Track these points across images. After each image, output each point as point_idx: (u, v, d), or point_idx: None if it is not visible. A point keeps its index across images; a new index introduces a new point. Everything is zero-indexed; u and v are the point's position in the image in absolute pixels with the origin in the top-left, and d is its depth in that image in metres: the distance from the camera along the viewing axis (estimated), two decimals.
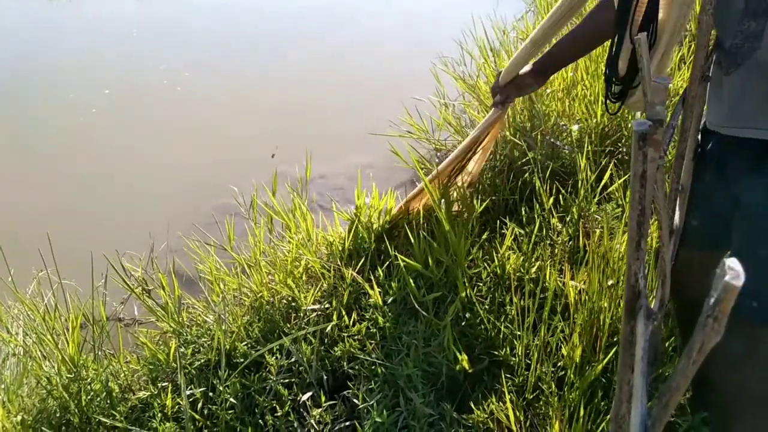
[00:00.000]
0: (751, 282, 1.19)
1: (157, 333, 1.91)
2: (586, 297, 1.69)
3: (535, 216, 2.00)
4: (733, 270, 0.42)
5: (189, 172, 3.31)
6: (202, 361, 1.77)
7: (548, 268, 1.80)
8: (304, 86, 4.26)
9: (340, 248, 2.00)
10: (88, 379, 1.73)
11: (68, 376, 1.71)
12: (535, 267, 1.88)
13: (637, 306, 0.64)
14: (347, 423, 1.65)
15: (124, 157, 3.53)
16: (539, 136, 2.46)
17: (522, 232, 2.02)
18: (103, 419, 1.63)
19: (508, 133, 2.42)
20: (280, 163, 2.63)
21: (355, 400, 1.66)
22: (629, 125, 2.42)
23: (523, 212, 2.12)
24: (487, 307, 1.80)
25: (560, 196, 2.20)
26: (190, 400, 1.66)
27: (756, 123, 1.13)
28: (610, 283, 1.71)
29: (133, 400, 1.71)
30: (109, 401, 1.70)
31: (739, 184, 1.20)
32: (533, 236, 1.92)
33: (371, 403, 1.63)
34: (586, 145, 2.21)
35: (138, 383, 1.81)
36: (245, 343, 1.79)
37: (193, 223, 2.23)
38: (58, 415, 1.68)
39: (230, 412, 1.64)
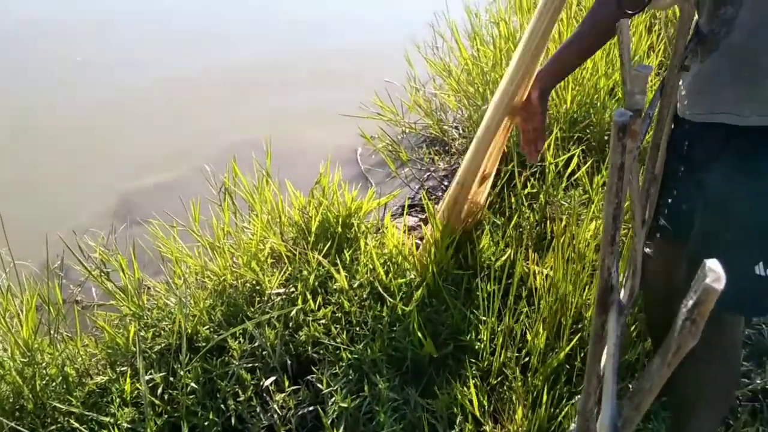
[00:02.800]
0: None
1: (116, 316, 1.86)
2: (551, 284, 1.69)
3: (506, 206, 2.00)
4: (714, 272, 0.40)
5: (149, 148, 3.22)
6: (163, 345, 1.73)
7: (516, 254, 1.80)
8: (272, 64, 4.16)
9: (306, 231, 1.97)
10: (44, 364, 1.67)
11: (22, 360, 1.65)
12: (505, 256, 1.87)
13: (610, 300, 0.63)
14: (311, 408, 1.64)
15: (77, 132, 3.41)
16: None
17: (497, 222, 2.01)
18: (59, 405, 1.58)
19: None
20: (246, 141, 2.57)
21: (319, 385, 1.65)
22: (597, 112, 2.42)
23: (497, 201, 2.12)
24: (453, 292, 1.79)
25: (528, 183, 2.21)
26: (150, 384, 1.63)
27: (721, 107, 1.13)
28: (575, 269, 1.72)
29: (91, 385, 1.66)
30: (65, 386, 1.65)
31: (704, 170, 1.21)
32: (509, 227, 1.92)
33: (335, 387, 1.62)
34: (554, 132, 2.21)
35: (96, 368, 1.76)
36: (207, 327, 1.76)
37: (155, 202, 2.16)
38: (11, 400, 1.62)
39: (191, 396, 1.61)
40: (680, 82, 1.22)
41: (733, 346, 1.36)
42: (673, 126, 1.31)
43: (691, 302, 0.42)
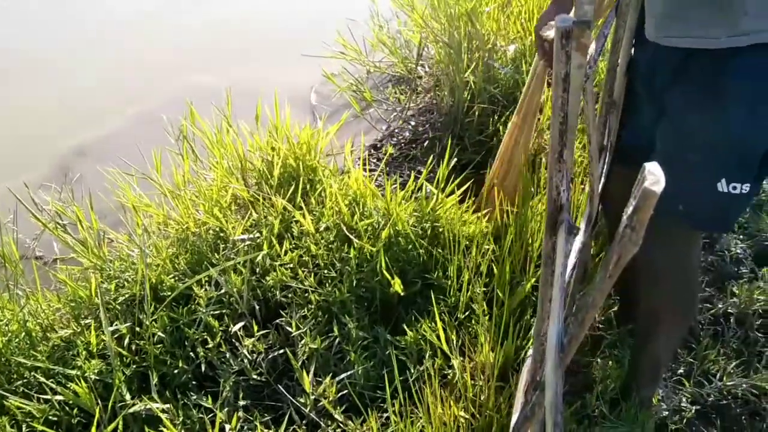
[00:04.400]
0: (678, 186, 1.21)
1: (78, 269, 1.81)
2: (516, 219, 1.69)
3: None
4: (653, 174, 0.38)
5: (100, 94, 3.09)
6: (127, 296, 1.70)
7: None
8: (233, 4, 3.99)
9: (269, 175, 1.93)
10: (4, 321, 1.64)
11: None
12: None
13: (559, 220, 0.61)
14: (281, 351, 1.64)
15: (27, 73, 3.26)
16: (479, 57, 2.39)
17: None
18: (23, 360, 1.55)
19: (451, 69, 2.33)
20: (203, 84, 2.48)
21: (288, 328, 1.65)
22: None
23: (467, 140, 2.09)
24: (419, 231, 1.78)
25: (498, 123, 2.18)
26: (116, 336, 1.61)
27: (693, 31, 1.10)
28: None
29: (55, 339, 1.63)
30: (28, 341, 1.62)
31: (666, 92, 1.19)
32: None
33: (305, 330, 1.62)
34: (522, 66, 2.17)
35: (60, 322, 1.73)
36: (172, 276, 1.73)
37: (116, 153, 2.08)
38: None
39: (159, 346, 1.60)
40: (646, 3, 1.18)
41: (691, 266, 1.38)
42: (634, 49, 1.29)
43: (630, 208, 0.41)
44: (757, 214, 2.16)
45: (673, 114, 1.17)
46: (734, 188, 1.12)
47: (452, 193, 1.82)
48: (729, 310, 1.86)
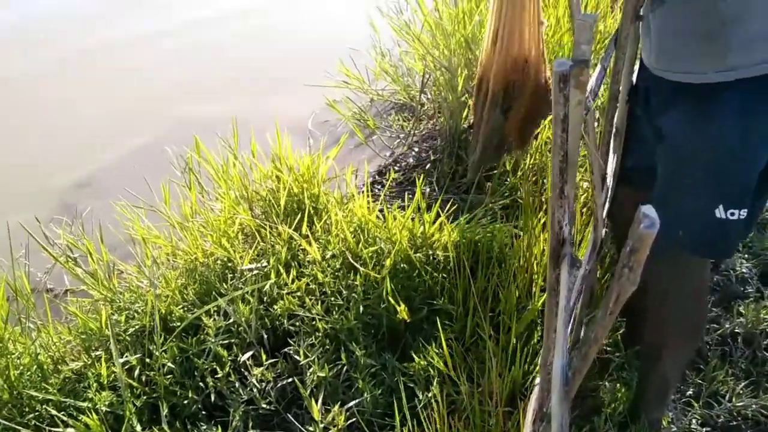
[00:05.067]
0: (676, 212, 1.22)
1: (88, 301, 1.84)
2: (520, 243, 1.71)
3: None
4: (649, 218, 0.40)
5: (100, 120, 3.13)
6: (137, 327, 1.72)
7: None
8: (236, 36, 4.07)
9: (275, 205, 1.96)
10: (16, 353, 1.66)
11: None
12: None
13: (562, 254, 0.63)
14: (290, 380, 1.65)
15: (35, 112, 3.31)
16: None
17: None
18: (35, 393, 1.57)
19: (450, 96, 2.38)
20: (206, 114, 2.52)
21: (296, 357, 1.66)
22: None
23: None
24: (423, 258, 1.80)
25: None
26: (126, 367, 1.62)
27: (680, 65, 1.13)
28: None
29: (66, 372, 1.65)
30: (40, 374, 1.64)
31: (661, 117, 1.22)
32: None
33: (313, 358, 1.63)
34: None
35: (71, 354, 1.75)
36: (181, 306, 1.75)
37: (120, 185, 2.12)
38: None
39: (169, 376, 1.61)
40: (642, 31, 1.22)
41: (700, 290, 1.39)
42: (636, 74, 1.32)
43: (628, 249, 0.42)
44: (762, 233, 2.17)
45: (669, 140, 1.19)
46: (732, 214, 1.13)
47: (438, 216, 1.84)
48: (736, 330, 1.86)
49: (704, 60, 1.09)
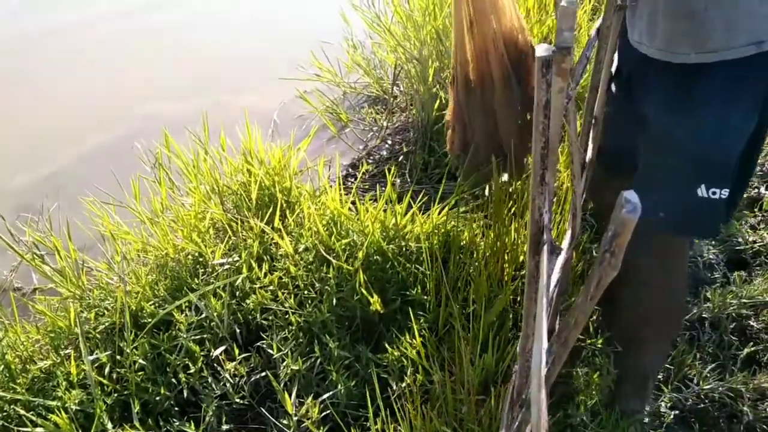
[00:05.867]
0: (659, 193, 1.23)
1: (56, 299, 1.81)
2: (491, 232, 1.72)
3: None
4: (630, 203, 0.40)
5: (64, 117, 3.07)
6: (107, 324, 1.70)
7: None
8: (206, 29, 4.01)
9: (247, 199, 1.94)
10: None
11: None
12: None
13: (542, 241, 0.63)
14: (263, 373, 1.64)
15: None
16: (449, 76, 2.44)
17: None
18: (2, 393, 1.54)
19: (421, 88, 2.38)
20: (175, 108, 2.48)
21: (270, 351, 1.65)
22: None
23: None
24: (396, 249, 1.80)
25: None
26: (96, 365, 1.60)
27: (659, 44, 1.15)
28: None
29: (34, 371, 1.62)
30: (8, 374, 1.61)
31: (642, 101, 1.23)
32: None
33: (286, 351, 1.62)
34: None
35: (40, 353, 1.72)
36: (152, 302, 1.73)
37: (86, 182, 2.08)
38: None
39: (140, 373, 1.59)
40: (629, 12, 1.22)
41: (679, 271, 1.39)
42: (616, 58, 1.33)
43: (610, 234, 0.43)
44: (728, 220, 2.21)
45: (651, 121, 1.21)
46: (714, 193, 1.15)
47: (410, 207, 1.84)
48: (703, 315, 1.90)
49: (687, 41, 1.10)
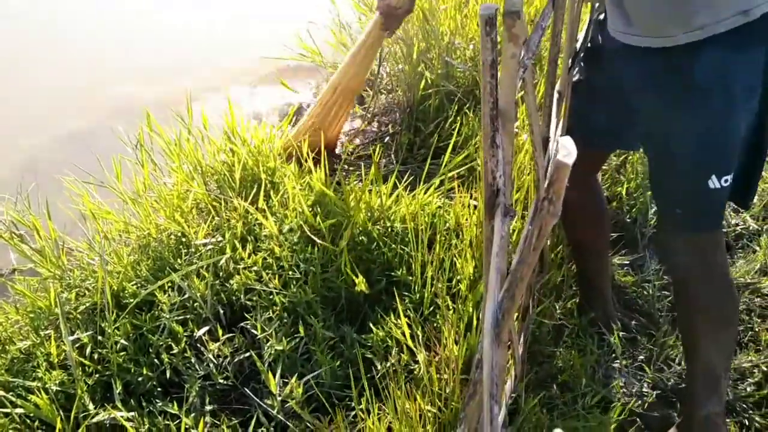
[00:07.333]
0: (673, 191, 1.23)
1: (36, 280, 1.78)
2: (476, 213, 1.71)
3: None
4: (565, 148, 0.40)
5: (45, 98, 3.02)
6: (88, 304, 1.67)
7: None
8: (189, 9, 3.94)
9: (230, 179, 1.92)
10: None
11: None
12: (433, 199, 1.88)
13: (496, 204, 0.63)
14: (247, 354, 1.63)
15: None
16: (435, 56, 2.42)
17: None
18: None
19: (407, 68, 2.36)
20: (156, 89, 2.44)
21: (254, 331, 1.64)
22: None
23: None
24: (381, 230, 1.79)
25: (457, 119, 2.21)
26: (78, 345, 1.58)
27: (649, 30, 1.13)
28: None
29: (14, 351, 1.60)
30: None
31: (635, 94, 1.22)
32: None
33: (270, 332, 1.61)
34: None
35: (19, 334, 1.69)
36: (134, 282, 1.71)
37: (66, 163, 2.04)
38: None
39: (122, 354, 1.58)
40: (609, 1, 1.21)
41: (719, 265, 1.35)
42: (591, 35, 1.32)
43: (547, 182, 0.42)
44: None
45: (650, 119, 1.20)
46: (725, 181, 1.16)
47: (395, 187, 1.84)
48: None
49: (674, 21, 1.09)
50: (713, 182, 1.16)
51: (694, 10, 1.06)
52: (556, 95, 1.14)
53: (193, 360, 1.59)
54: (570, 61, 1.23)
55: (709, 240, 1.31)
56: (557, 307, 1.74)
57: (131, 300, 1.64)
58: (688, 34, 1.08)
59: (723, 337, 1.41)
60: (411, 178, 1.96)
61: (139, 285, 1.71)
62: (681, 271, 1.35)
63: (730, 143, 1.15)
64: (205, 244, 1.77)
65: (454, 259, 1.70)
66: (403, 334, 1.54)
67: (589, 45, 1.36)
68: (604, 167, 2.12)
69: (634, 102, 1.24)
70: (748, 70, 1.09)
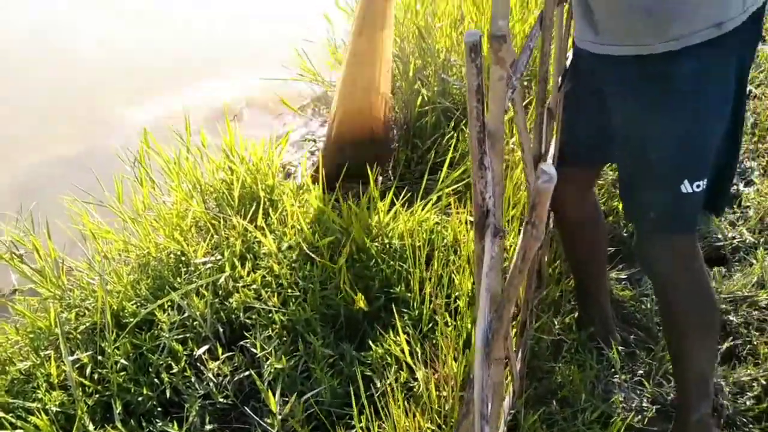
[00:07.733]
0: (646, 195, 1.24)
1: (36, 300, 1.78)
2: (473, 229, 1.72)
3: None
4: (546, 174, 0.41)
5: (40, 116, 3.03)
6: (88, 324, 1.68)
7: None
8: (190, 22, 3.97)
9: (229, 197, 1.93)
10: None
11: None
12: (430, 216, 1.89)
13: (486, 224, 0.64)
14: (247, 373, 1.63)
15: None
16: (432, 73, 2.45)
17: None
18: None
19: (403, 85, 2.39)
20: (157, 108, 2.46)
21: (253, 350, 1.64)
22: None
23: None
24: (380, 247, 1.80)
25: (454, 134, 2.23)
26: (77, 365, 1.58)
27: (625, 39, 1.16)
28: None
29: (14, 372, 1.60)
30: None
31: (610, 100, 1.24)
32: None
33: (270, 350, 1.62)
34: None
35: (19, 354, 1.70)
36: (133, 302, 1.71)
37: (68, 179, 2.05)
38: None
39: (122, 374, 1.58)
40: (578, 13, 1.23)
41: (700, 270, 1.36)
42: (572, 52, 1.34)
43: (530, 206, 0.44)
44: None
45: (625, 123, 1.22)
46: (697, 186, 1.17)
47: (393, 204, 1.85)
48: None
49: (649, 32, 1.11)
50: (685, 187, 1.17)
51: (671, 20, 1.09)
52: (546, 113, 1.16)
53: (193, 379, 1.59)
54: (560, 79, 1.25)
55: (686, 245, 1.32)
56: (556, 323, 1.75)
57: (131, 319, 1.65)
58: (665, 44, 1.11)
59: (709, 342, 1.44)
60: (408, 194, 1.97)
61: (138, 304, 1.72)
62: (662, 278, 1.37)
63: (707, 147, 1.17)
64: (204, 263, 1.78)
65: (453, 275, 1.71)
66: (403, 351, 1.54)
67: (571, 56, 1.39)
68: (599, 182, 2.13)
69: (612, 108, 1.26)
70: (721, 80, 1.12)
